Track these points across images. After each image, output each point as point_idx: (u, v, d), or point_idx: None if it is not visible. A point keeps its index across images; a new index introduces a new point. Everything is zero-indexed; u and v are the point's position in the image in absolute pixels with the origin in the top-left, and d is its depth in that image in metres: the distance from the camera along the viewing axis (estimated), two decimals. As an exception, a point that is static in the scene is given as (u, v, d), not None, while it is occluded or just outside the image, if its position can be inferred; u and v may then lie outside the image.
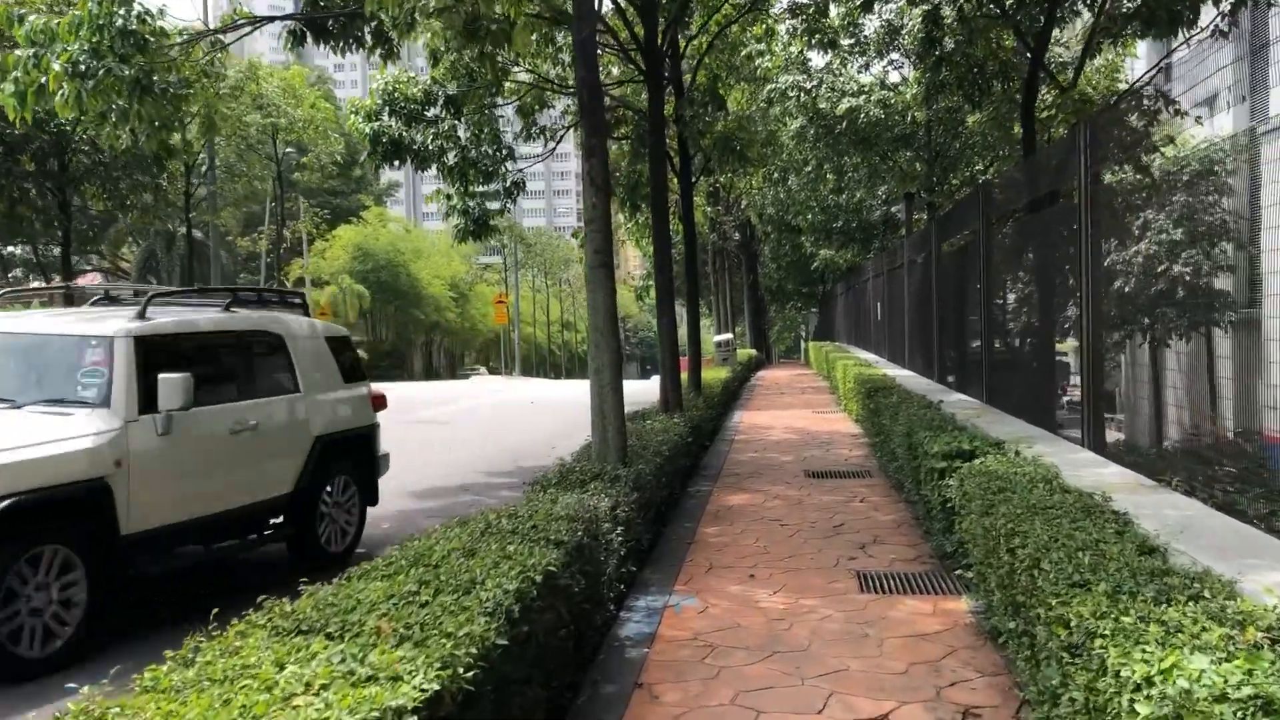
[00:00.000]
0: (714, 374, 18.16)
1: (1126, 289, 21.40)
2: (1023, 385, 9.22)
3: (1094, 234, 6.59)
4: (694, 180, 14.74)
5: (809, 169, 21.47)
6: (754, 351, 38.11)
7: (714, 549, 7.47)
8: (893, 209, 22.22)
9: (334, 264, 58.12)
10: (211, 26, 8.93)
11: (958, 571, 6.36)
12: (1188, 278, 20.93)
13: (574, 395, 23.81)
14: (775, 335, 67.86)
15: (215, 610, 3.77)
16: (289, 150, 39.74)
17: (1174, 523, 4.33)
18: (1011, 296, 10.55)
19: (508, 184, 13.52)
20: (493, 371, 66.30)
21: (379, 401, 9.67)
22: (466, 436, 17.67)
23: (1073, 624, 3.14)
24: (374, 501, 9.25)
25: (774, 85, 17.53)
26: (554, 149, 14.44)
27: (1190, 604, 3.07)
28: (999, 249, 10.04)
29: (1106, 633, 2.87)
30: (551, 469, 7.30)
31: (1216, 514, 4.79)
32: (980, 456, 6.30)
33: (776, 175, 26.64)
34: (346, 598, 3.69)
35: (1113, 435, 22.82)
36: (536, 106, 14.87)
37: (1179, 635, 2.77)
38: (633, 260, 76.83)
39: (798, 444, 13.48)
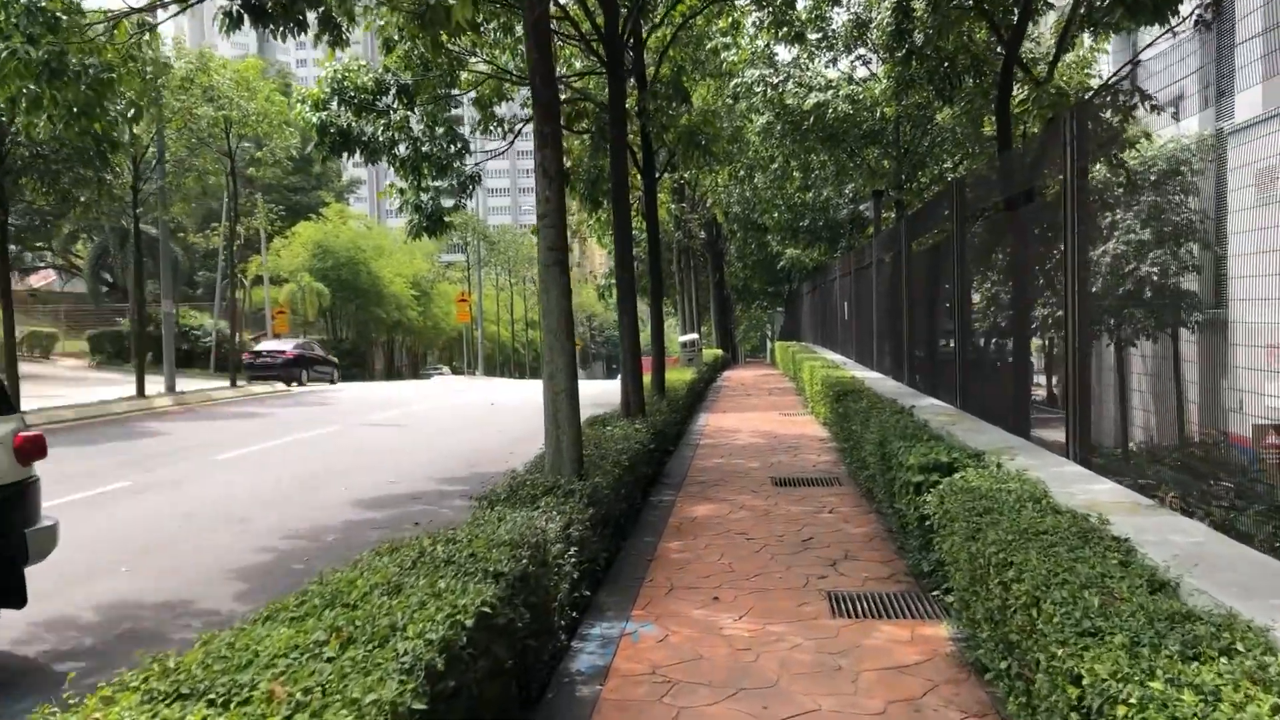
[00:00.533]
0: (679, 375, 17.71)
1: (1094, 289, 21.23)
2: (999, 390, 8.84)
3: (1081, 230, 6.18)
4: (658, 176, 14.27)
5: (775, 166, 21.06)
6: (720, 351, 37.73)
7: (676, 567, 6.99)
8: (861, 207, 21.85)
9: (293, 261, 57.08)
10: (136, 5, 8.30)
11: (936, 593, 5.93)
12: (1155, 278, 20.80)
13: (536, 396, 23.25)
14: (741, 334, 67.66)
15: (71, 674, 3.22)
16: (246, 144, 38.87)
17: (1183, 552, 3.91)
18: (985, 297, 10.18)
19: (463, 178, 12.96)
20: (455, 371, 65.55)
21: (31, 447, 6.34)
22: (422, 440, 17.09)
23: (1086, 683, 2.69)
24: (18, 601, 6.05)
25: (740, 80, 17.09)
26: (512, 142, 13.88)
27: (1223, 660, 2.62)
28: (973, 247, 9.66)
29: (1133, 701, 2.42)
30: (501, 481, 6.80)
31: (1226, 540, 4.38)
32: (960, 470, 5.87)
33: (743, 173, 26.25)
34: (244, 649, 3.17)
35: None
36: (495, 99, 14.33)
37: (1220, 708, 2.32)
38: (597, 257, 76.30)
39: (764, 449, 13.05)
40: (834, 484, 10.26)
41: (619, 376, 12.77)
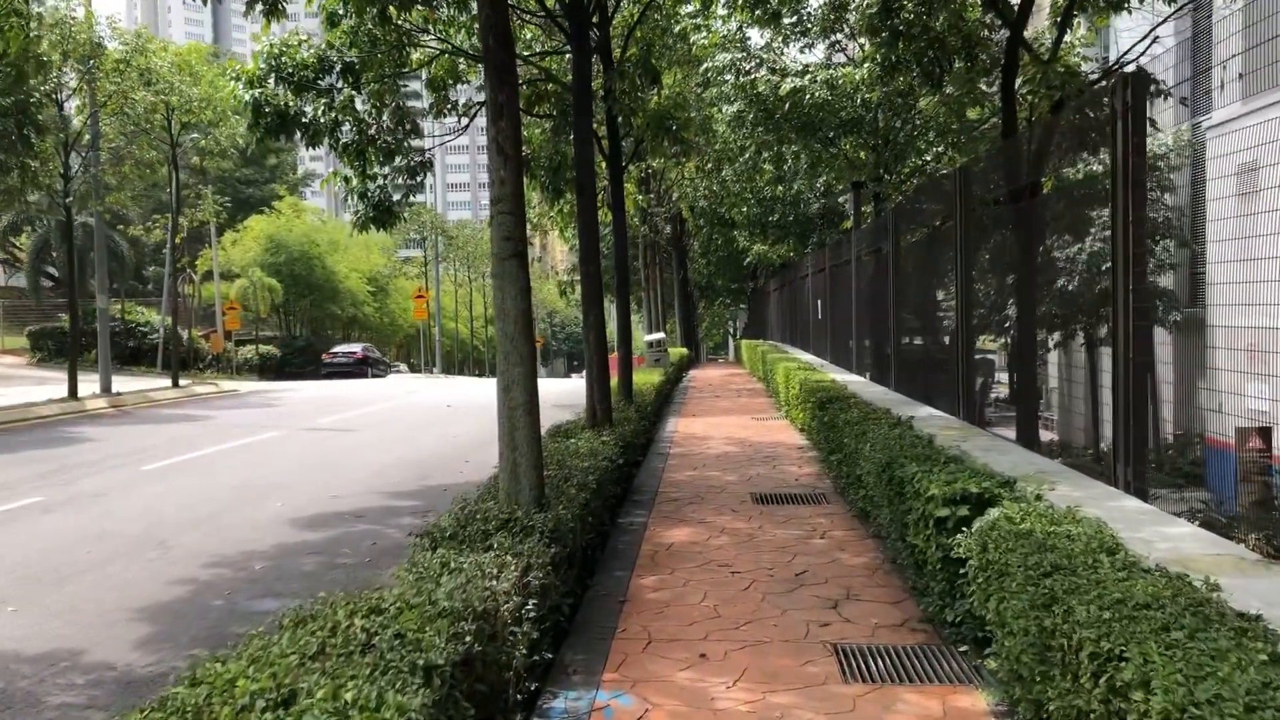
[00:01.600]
0: (645, 377, 16.72)
1: (1070, 287, 20.56)
2: (1020, 403, 7.94)
3: (1137, 217, 5.27)
4: (625, 165, 13.26)
5: (746, 157, 20.07)
6: (685, 350, 36.80)
7: (652, 611, 6.00)
8: (840, 200, 20.92)
9: (245, 256, 55.41)
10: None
11: (965, 649, 5.00)
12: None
13: (494, 397, 22.16)
14: (704, 332, 66.88)
15: None
16: (193, 135, 37.30)
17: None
18: (993, 294, 9.30)
19: (412, 164, 11.86)
20: (413, 369, 64.01)
21: None
22: (371, 447, 15.96)
23: None
24: None
25: (710, 64, 16.11)
26: (466, 126, 12.77)
27: None
28: (984, 238, 8.78)
29: None
30: (448, 512, 5.77)
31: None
32: (995, 503, 4.93)
33: (710, 165, 25.31)
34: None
35: (1045, 435, 22.15)
36: (449, 81, 13.23)
37: None
38: (558, 253, 75.11)
39: (740, 459, 12.10)
40: (821, 501, 9.32)
41: (584, 375, 11.82)
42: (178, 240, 53.58)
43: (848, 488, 9.11)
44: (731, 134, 19.33)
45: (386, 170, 12.21)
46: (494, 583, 4.11)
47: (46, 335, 44.55)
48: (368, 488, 12.09)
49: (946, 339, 9.79)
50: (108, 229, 46.65)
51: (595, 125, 13.31)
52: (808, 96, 15.76)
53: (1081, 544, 3.93)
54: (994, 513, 4.64)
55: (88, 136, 23.55)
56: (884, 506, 6.67)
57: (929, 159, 17.64)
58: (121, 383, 29.65)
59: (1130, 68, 9.98)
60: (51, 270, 54.16)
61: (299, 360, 56.18)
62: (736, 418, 16.88)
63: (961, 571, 4.77)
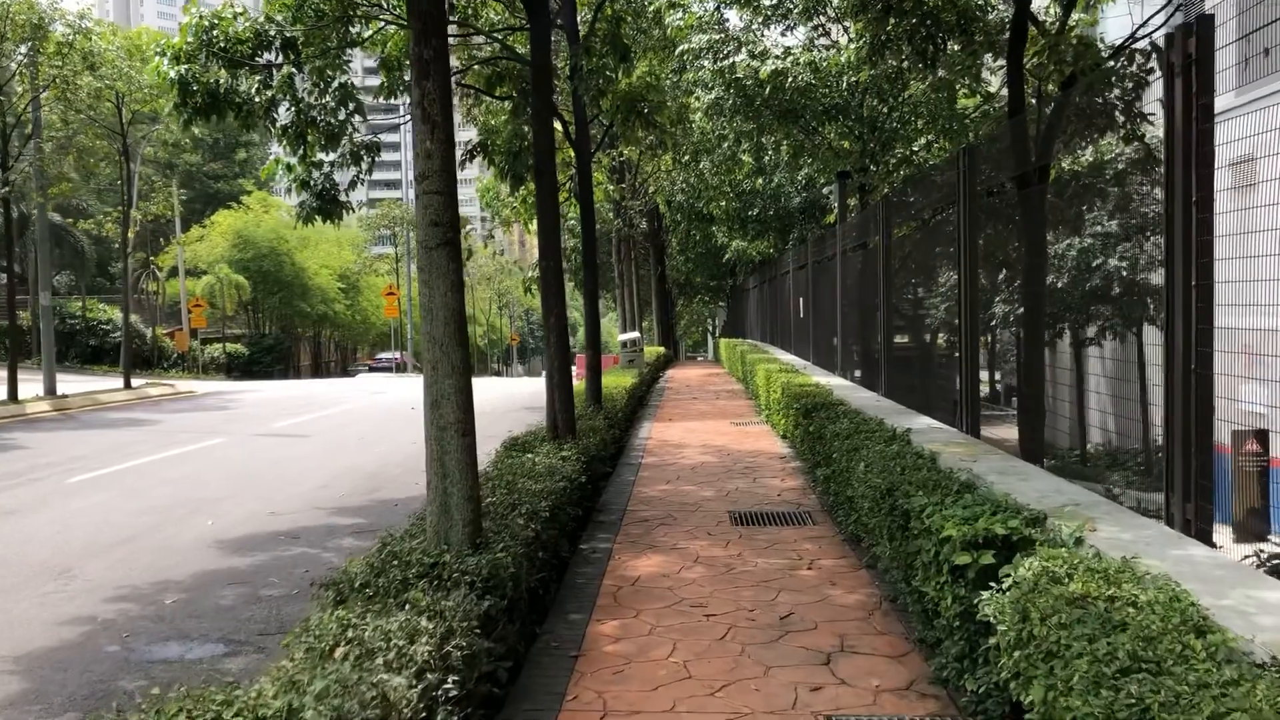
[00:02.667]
0: (618, 380, 15.74)
1: (1060, 284, 19.82)
2: (1026, 413, 7.02)
3: (1201, 197, 4.34)
4: (593, 151, 12.27)
5: (725, 146, 19.04)
6: (662, 349, 35.82)
7: (610, 670, 5.02)
8: (824, 192, 19.95)
9: (212, 252, 54.00)
10: None
11: (991, 729, 4.05)
12: (1124, 273, 19.39)
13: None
14: (682, 330, 66.00)
15: None
16: (151, 125, 35.97)
17: None
18: (1006, 289, 8.37)
19: (355, 148, 10.81)
20: (400, 368, 62.61)
21: None
22: (323, 454, 14.90)
23: None
24: None
25: (687, 45, 15.14)
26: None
27: None
28: (994, 226, 7.87)
29: None
30: (363, 558, 4.80)
31: None
32: (1027, 549, 4.00)
33: (687, 158, 24.35)
34: None
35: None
36: (405, 60, 12.20)
37: None
38: (532, 249, 73.94)
39: (718, 470, 11.15)
40: (806, 522, 8.38)
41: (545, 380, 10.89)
42: (132, 234, 52.22)
43: (836, 506, 8.18)
44: (709, 123, 18.35)
45: (332, 157, 11.17)
46: (391, 676, 3.12)
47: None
48: (311, 502, 11.06)
49: (945, 339, 8.87)
50: (64, 223, 45.29)
51: (562, 109, 12.33)
52: (790, 80, 14.79)
53: (1158, 617, 2.99)
54: (1030, 565, 3.69)
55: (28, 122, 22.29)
56: (883, 539, 5.72)
57: (918, 148, 16.72)
58: (76, 383, 28.41)
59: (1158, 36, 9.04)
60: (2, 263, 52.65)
61: (267, 359, 54.86)
62: (714, 422, 15.93)
63: (988, 635, 3.83)
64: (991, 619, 3.70)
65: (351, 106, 10.36)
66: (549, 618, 5.90)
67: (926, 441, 7.17)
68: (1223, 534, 6.97)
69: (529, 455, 8.04)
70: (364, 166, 11.14)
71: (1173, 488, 4.61)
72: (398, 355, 60.14)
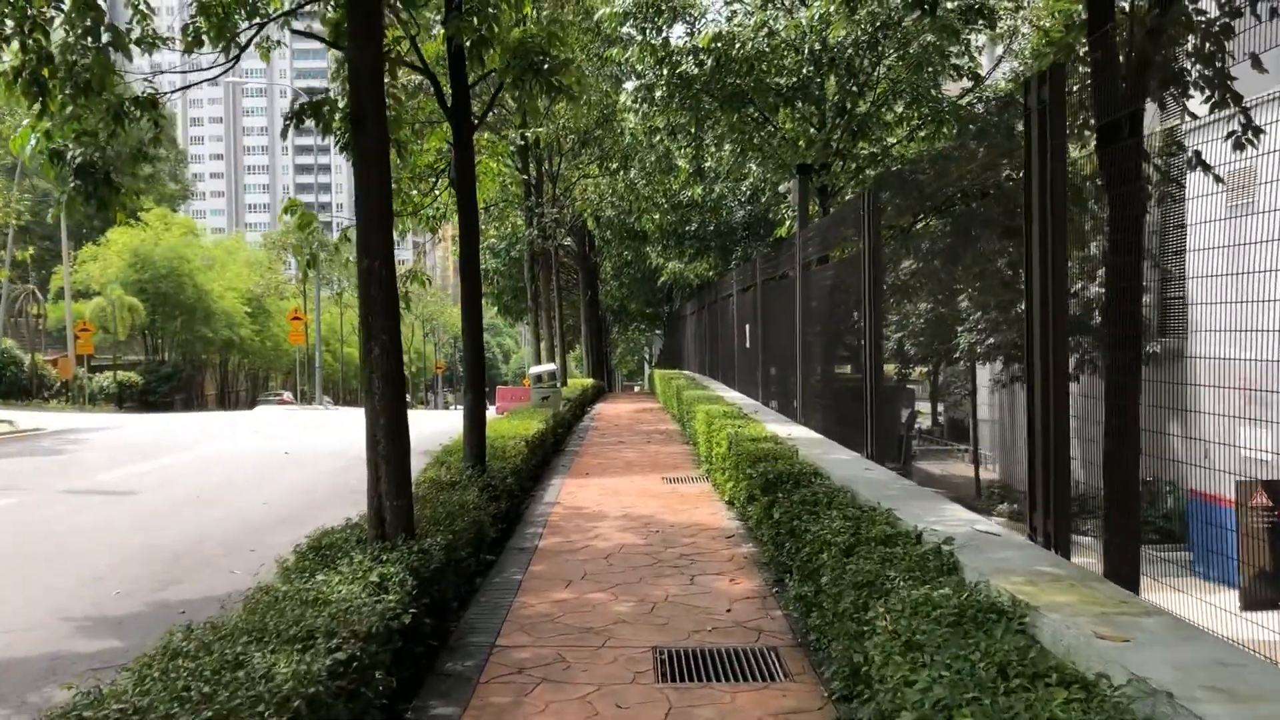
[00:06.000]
0: (520, 426, 12.52)
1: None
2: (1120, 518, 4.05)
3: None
4: (476, 122, 9.15)
5: (657, 140, 15.91)
6: (591, 381, 32.59)
7: None
8: (778, 193, 16.97)
9: (107, 272, 49.62)
10: None
11: None
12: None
13: (352, 439, 17.68)
14: (617, 359, 63.04)
15: None
16: None
17: None
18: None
19: (121, 103, 7.54)
20: (305, 399, 58.43)
21: None
22: (130, 523, 11.42)
23: None
24: None
25: (607, 10, 12.12)
26: (237, 57, 8.53)
27: None
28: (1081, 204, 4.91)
29: None
30: None
31: None
32: None
33: (616, 165, 21.36)
34: None
35: (985, 475, 18.81)
36: (235, 6, 8.95)
37: None
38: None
39: (642, 561, 8.01)
40: (774, 673, 5.29)
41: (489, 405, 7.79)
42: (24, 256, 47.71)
43: (821, 639, 5.11)
44: (637, 116, 15.30)
45: (100, 123, 7.85)
46: None
47: None
48: (57, 609, 7.69)
49: (999, 376, 5.87)
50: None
51: (437, 71, 9.21)
52: (736, 48, 11.82)
53: None
54: None
55: None
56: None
57: (896, 139, 13.85)
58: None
59: None
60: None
61: (165, 388, 50.53)
62: (643, 478, 12.81)
63: None
64: None
65: (107, 37, 7.06)
66: None
67: (993, 570, 4.11)
68: (1224, 597, 5.60)
69: (320, 578, 4.85)
70: (144, 132, 7.87)
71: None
72: (283, 394, 58.71)
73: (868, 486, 6.39)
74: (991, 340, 13.66)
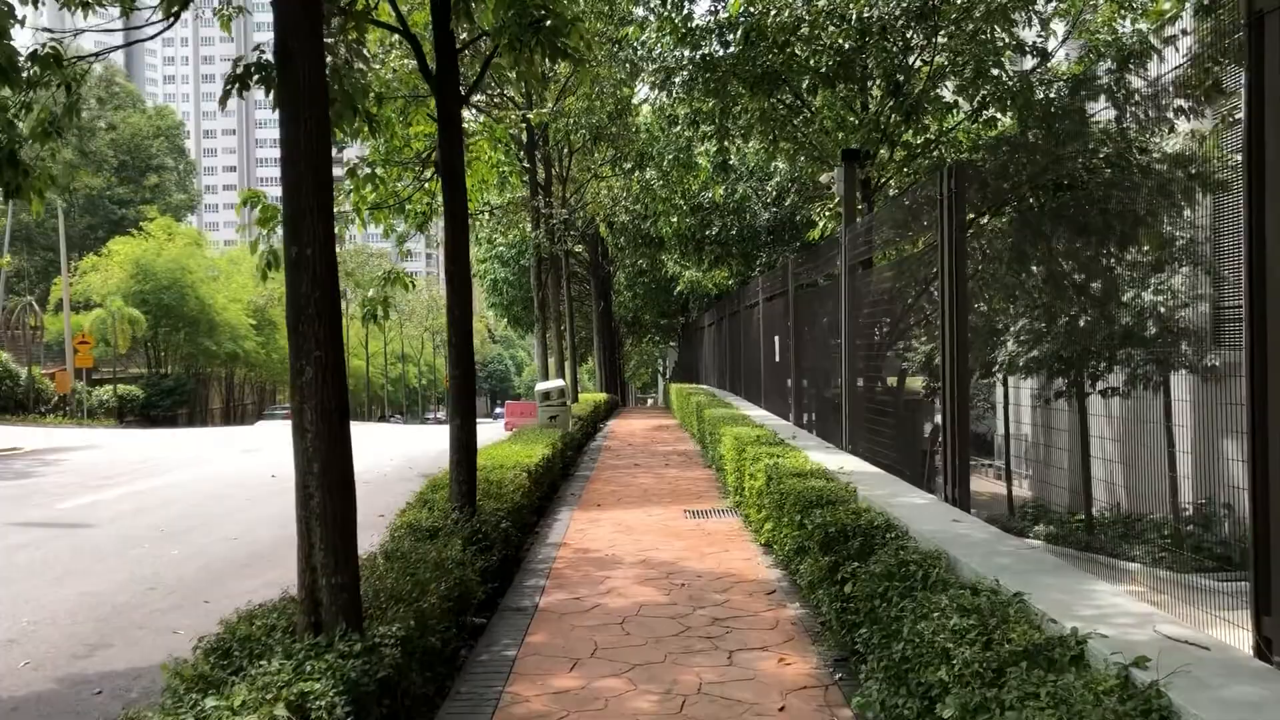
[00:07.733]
0: (521, 453, 10.97)
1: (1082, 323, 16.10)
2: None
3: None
4: (466, 95, 7.67)
5: (676, 131, 14.29)
6: (604, 396, 31.03)
7: None
8: (824, 181, 15.32)
9: (108, 283, 48.46)
10: None
11: None
12: (1161, 310, 15.49)
13: (368, 460, 16.17)
14: (631, 371, 61.58)
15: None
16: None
17: None
18: None
19: (10, 59, 6.10)
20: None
21: None
22: (69, 565, 9.93)
23: None
24: None
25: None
26: (178, 14, 7.13)
27: None
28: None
29: None
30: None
31: None
32: None
33: (630, 165, 19.88)
34: None
35: (1018, 491, 17.31)
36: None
37: None
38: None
39: (665, 629, 6.46)
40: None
41: (499, 411, 6.05)
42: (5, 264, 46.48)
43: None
44: (653, 113, 13.73)
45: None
46: None
47: None
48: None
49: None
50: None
51: (418, 33, 7.75)
52: (771, 16, 10.28)
53: None
54: None
55: None
56: None
57: (956, 122, 12.15)
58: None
59: None
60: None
61: (167, 402, 49.28)
62: (663, 510, 11.27)
63: None
64: None
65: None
66: None
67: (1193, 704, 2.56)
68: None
69: (210, 704, 3.33)
70: (54, 105, 6.41)
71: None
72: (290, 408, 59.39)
73: (966, 550, 4.83)
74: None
